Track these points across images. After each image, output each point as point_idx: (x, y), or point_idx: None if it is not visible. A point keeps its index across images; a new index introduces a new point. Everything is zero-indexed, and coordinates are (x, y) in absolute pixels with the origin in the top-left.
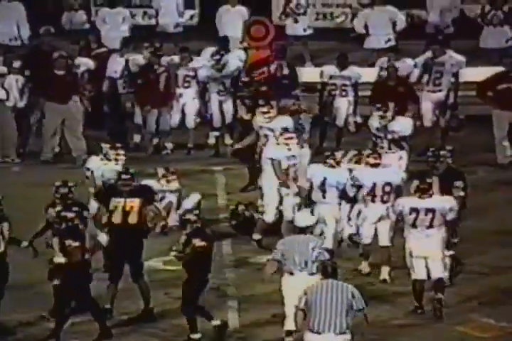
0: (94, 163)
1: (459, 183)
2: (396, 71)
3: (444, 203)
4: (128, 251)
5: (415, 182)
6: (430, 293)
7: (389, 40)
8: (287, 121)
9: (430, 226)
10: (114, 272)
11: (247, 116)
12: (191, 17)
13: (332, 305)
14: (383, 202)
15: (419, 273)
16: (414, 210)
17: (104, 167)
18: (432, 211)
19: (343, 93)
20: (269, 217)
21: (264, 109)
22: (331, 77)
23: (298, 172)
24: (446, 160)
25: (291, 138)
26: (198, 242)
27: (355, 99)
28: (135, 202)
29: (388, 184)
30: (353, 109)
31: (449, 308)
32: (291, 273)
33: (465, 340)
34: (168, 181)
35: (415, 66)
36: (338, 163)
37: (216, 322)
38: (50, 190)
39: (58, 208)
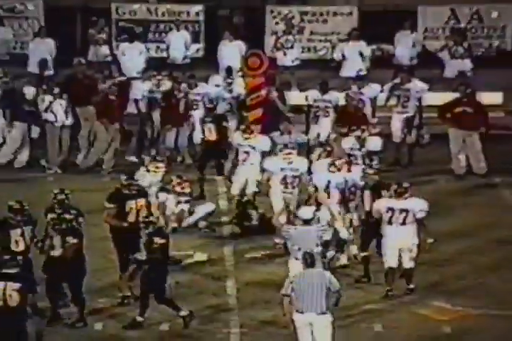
0: (141, 174)
1: (384, 193)
2: (352, 99)
3: (415, 205)
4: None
5: (393, 187)
6: (400, 280)
7: (360, 70)
8: (266, 140)
9: (403, 223)
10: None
11: (212, 137)
12: (197, 50)
13: (313, 289)
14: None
15: (391, 262)
16: (391, 209)
17: (148, 177)
18: (406, 211)
19: (326, 114)
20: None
21: (248, 131)
22: (315, 101)
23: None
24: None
25: (290, 153)
26: (158, 240)
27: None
28: (143, 201)
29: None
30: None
31: (413, 294)
32: (296, 259)
33: (427, 322)
34: (182, 188)
35: (381, 91)
36: (339, 170)
37: (184, 313)
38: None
39: (58, 211)
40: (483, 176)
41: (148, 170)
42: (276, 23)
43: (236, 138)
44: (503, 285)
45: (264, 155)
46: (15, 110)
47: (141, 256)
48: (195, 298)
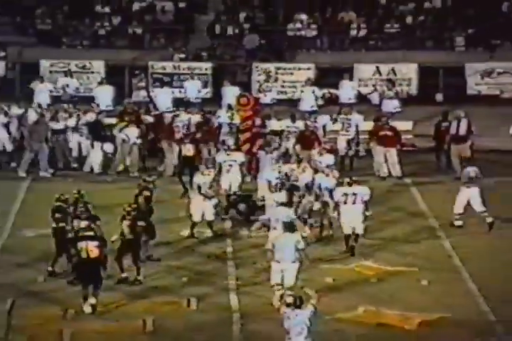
0: (198, 177)
1: (297, 192)
2: (308, 126)
3: (362, 190)
4: None
5: (346, 179)
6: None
7: (312, 106)
8: (242, 155)
9: (354, 203)
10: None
11: (189, 153)
12: (206, 93)
13: (286, 246)
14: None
15: (347, 230)
16: (346, 194)
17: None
18: (355, 194)
19: (295, 135)
20: None
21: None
22: (287, 127)
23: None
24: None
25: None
26: (141, 223)
27: None
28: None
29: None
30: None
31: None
32: (275, 228)
33: (359, 277)
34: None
35: (330, 119)
36: (327, 175)
37: (124, 275)
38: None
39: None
40: (399, 178)
41: (202, 174)
42: (259, 75)
43: (221, 156)
44: (410, 251)
45: (242, 165)
46: (96, 134)
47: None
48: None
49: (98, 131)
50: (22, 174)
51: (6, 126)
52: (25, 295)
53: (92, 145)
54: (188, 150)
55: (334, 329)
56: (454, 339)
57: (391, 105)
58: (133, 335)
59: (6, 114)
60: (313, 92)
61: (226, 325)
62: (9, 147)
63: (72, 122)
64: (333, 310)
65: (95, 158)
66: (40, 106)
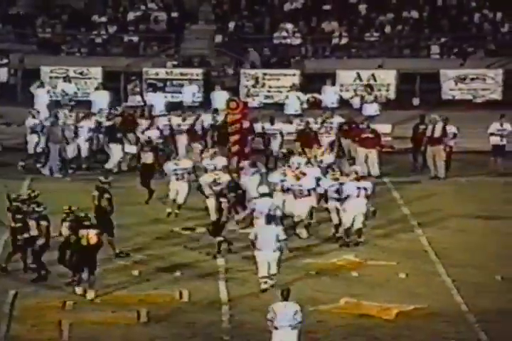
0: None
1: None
2: (308, 124)
3: (368, 184)
4: None
5: (354, 174)
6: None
7: (296, 110)
8: (223, 159)
9: (358, 196)
10: None
11: (149, 161)
12: (198, 97)
13: (268, 236)
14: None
15: (349, 222)
16: (358, 188)
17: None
18: (366, 189)
19: (276, 137)
20: None
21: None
22: (267, 129)
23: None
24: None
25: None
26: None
27: (282, 140)
28: None
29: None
30: (280, 145)
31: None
32: (257, 218)
33: (341, 270)
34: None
35: (315, 123)
36: (304, 174)
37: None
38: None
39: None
40: (378, 177)
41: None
42: (247, 81)
43: (205, 160)
44: (389, 246)
45: (222, 169)
46: (113, 136)
47: None
48: None
49: (114, 134)
50: (58, 174)
51: (35, 129)
52: (25, 287)
53: (108, 147)
54: (147, 158)
55: (317, 320)
56: (429, 328)
57: (371, 109)
58: (128, 325)
59: (33, 117)
60: (298, 97)
61: (216, 316)
62: (38, 149)
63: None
64: (316, 302)
65: (113, 159)
66: (38, 111)
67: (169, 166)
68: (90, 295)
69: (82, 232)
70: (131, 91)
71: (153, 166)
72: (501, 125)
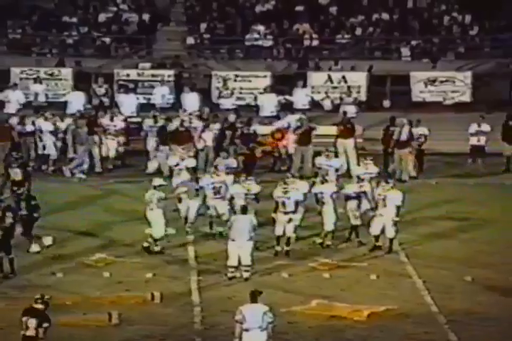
0: (206, 179)
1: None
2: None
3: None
4: None
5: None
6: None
7: (272, 111)
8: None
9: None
10: None
11: (18, 177)
12: (168, 99)
13: (242, 226)
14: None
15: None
16: (379, 194)
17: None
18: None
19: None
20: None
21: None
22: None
23: None
24: None
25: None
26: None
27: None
28: None
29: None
30: None
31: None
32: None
33: (313, 272)
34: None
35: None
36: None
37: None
38: None
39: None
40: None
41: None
42: (219, 82)
43: (171, 160)
44: (360, 248)
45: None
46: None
47: None
48: None
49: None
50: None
51: (54, 133)
52: None
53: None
54: (16, 173)
55: (288, 321)
56: (400, 329)
57: (349, 110)
58: (99, 328)
59: (46, 119)
60: (273, 99)
61: (188, 318)
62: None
63: (47, 126)
64: (287, 303)
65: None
66: (52, 114)
67: (205, 180)
68: None
69: None
70: (94, 91)
71: (23, 183)
72: (479, 125)
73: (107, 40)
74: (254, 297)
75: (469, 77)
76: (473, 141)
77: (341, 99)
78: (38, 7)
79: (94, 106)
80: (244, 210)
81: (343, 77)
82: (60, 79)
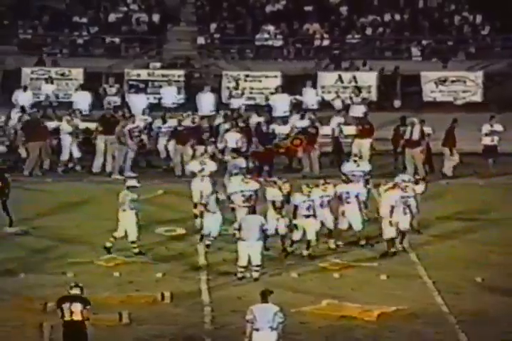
0: (234, 182)
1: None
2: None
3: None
4: None
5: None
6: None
7: (285, 111)
8: (213, 163)
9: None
10: None
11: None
12: (179, 99)
13: (252, 226)
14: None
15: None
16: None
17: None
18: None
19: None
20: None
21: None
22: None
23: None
24: None
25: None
26: None
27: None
28: None
29: None
30: None
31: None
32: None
33: (323, 272)
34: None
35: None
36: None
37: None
38: None
39: None
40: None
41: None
42: (229, 82)
43: (193, 165)
44: (370, 248)
45: (211, 173)
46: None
47: None
48: None
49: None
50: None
51: (72, 134)
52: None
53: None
54: None
55: (299, 321)
56: (409, 329)
57: (358, 110)
58: (109, 327)
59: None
60: (286, 99)
61: (198, 318)
62: (76, 154)
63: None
64: (297, 303)
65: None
66: (23, 109)
67: (234, 185)
68: None
69: None
70: (104, 91)
71: (4, 189)
72: (491, 125)
73: (117, 40)
74: (265, 297)
75: (480, 77)
76: (487, 140)
77: (351, 98)
78: (48, 7)
79: (114, 107)
80: (253, 211)
81: (354, 77)
82: (71, 79)
